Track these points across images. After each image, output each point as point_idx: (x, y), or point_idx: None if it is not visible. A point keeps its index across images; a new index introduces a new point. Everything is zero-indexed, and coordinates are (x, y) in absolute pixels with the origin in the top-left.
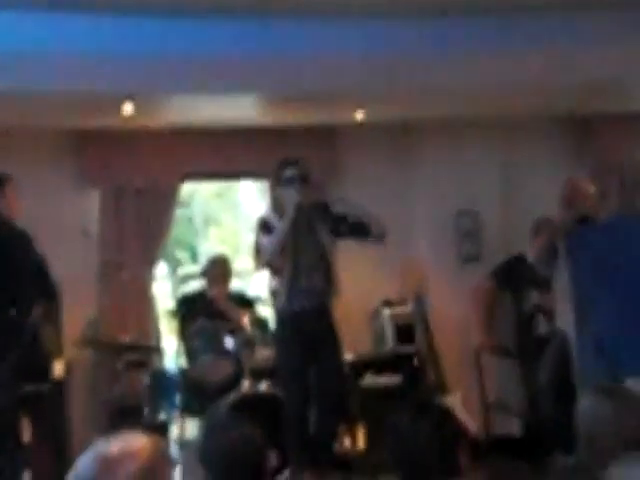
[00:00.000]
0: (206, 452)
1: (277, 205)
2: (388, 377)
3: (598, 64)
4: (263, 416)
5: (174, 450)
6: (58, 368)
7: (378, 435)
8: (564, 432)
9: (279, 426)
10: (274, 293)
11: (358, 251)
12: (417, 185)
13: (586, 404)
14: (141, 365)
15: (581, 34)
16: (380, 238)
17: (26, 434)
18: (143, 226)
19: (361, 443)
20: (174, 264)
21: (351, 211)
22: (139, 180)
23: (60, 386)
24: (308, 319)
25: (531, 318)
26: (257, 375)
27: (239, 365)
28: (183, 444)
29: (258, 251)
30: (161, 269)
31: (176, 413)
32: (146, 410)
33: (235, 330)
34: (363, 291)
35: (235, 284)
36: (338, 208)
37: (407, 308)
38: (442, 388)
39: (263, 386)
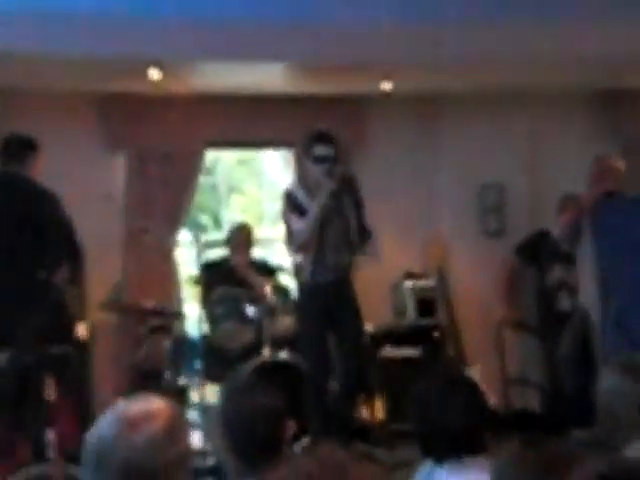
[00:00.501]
0: (226, 417)
1: (304, 178)
2: (408, 349)
3: (628, 40)
4: (283, 384)
5: (194, 414)
6: (82, 331)
7: (397, 406)
8: (584, 407)
9: (298, 394)
10: (298, 267)
11: (381, 223)
12: (442, 158)
13: (606, 380)
14: (163, 330)
15: (612, 8)
16: (369, 254)
17: (51, 394)
18: (167, 192)
19: (380, 414)
20: (197, 231)
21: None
22: (164, 146)
23: (84, 348)
24: (330, 290)
25: (554, 293)
26: (278, 343)
27: (260, 333)
28: (203, 409)
29: (289, 232)
30: (184, 235)
31: (197, 378)
32: (167, 374)
33: (257, 298)
34: (385, 263)
35: (257, 252)
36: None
37: (429, 281)
38: (462, 361)
39: (283, 354)
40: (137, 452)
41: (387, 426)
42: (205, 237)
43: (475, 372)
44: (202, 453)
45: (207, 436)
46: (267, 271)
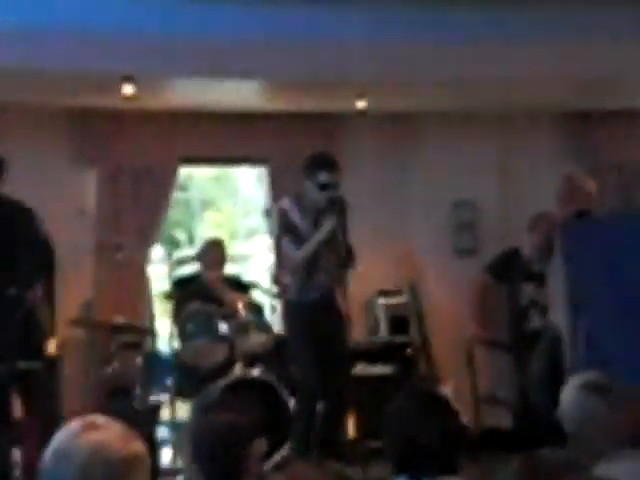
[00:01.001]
0: (194, 434)
1: (301, 198)
2: (381, 367)
3: (597, 61)
4: (255, 401)
5: (165, 432)
6: (51, 346)
7: (369, 424)
8: (554, 425)
9: (271, 411)
10: (284, 286)
11: (354, 240)
12: (415, 175)
13: (572, 400)
14: (134, 346)
15: (581, 30)
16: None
17: (17, 411)
18: (140, 208)
19: (351, 432)
20: (171, 247)
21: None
22: (137, 161)
23: (53, 364)
24: (319, 308)
25: (525, 312)
26: (251, 360)
27: (232, 350)
28: (174, 426)
29: (280, 253)
30: (157, 251)
31: (168, 395)
32: (138, 390)
33: (229, 315)
34: (358, 281)
35: (231, 268)
36: None
37: (402, 298)
38: (434, 379)
39: (256, 371)
40: (97, 447)
41: (359, 444)
42: (179, 253)
43: (448, 390)
44: (173, 471)
45: (177, 453)
46: (240, 287)
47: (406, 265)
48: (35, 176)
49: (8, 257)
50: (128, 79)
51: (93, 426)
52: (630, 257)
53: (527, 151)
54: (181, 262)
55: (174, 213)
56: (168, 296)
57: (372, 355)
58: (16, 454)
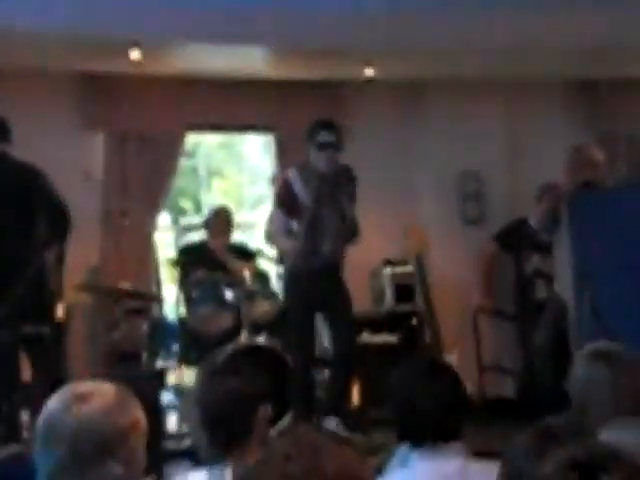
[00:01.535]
0: (200, 399)
1: (305, 167)
2: (386, 335)
3: (610, 28)
4: (260, 368)
5: (171, 397)
6: (60, 310)
7: (373, 392)
8: (558, 395)
9: (276, 378)
10: (283, 253)
11: (361, 209)
12: (422, 145)
13: (580, 368)
14: (140, 312)
15: None
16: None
17: (26, 373)
18: (147, 174)
19: (356, 399)
20: (177, 214)
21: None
22: (144, 127)
23: (61, 328)
24: (322, 276)
25: (531, 282)
26: (256, 328)
27: (238, 317)
28: (180, 391)
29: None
30: (164, 218)
31: (174, 361)
32: (145, 356)
33: (235, 282)
34: (364, 250)
35: (237, 236)
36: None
37: (407, 268)
38: (439, 348)
39: (261, 339)
40: (85, 422)
41: (363, 412)
42: (185, 220)
43: (453, 359)
44: (178, 435)
45: (183, 419)
46: (246, 255)
47: (412, 235)
48: (42, 140)
49: (25, 219)
50: (136, 44)
51: (83, 397)
52: (637, 228)
53: (535, 120)
54: (187, 229)
55: (181, 181)
56: (174, 263)
57: (377, 324)
58: (25, 415)
